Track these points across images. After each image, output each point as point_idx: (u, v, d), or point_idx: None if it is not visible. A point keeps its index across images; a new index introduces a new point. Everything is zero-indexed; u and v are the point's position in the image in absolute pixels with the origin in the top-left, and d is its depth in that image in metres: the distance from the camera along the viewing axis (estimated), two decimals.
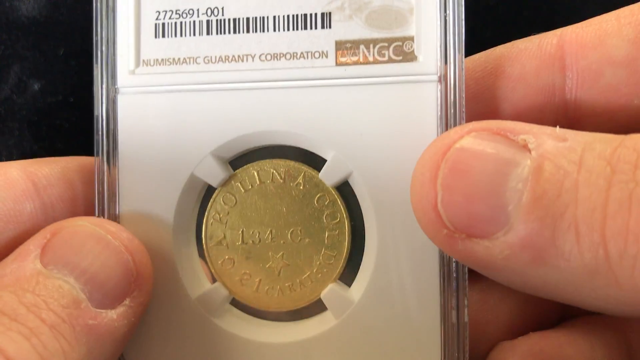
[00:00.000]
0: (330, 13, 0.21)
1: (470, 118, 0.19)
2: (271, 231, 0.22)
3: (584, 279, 0.15)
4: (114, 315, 0.19)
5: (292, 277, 0.22)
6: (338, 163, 0.21)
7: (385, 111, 0.20)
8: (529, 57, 0.21)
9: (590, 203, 0.15)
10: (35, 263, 0.18)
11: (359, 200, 0.21)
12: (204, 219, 0.22)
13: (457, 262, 0.20)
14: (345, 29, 0.21)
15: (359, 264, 0.22)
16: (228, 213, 0.22)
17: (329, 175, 0.21)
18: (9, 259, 0.19)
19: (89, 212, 0.22)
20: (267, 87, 0.21)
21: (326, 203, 0.21)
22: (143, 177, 0.21)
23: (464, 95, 0.20)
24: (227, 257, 0.22)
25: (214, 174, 0.21)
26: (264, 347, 0.21)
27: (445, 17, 0.20)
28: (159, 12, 0.22)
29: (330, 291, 0.21)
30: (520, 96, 0.21)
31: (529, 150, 0.16)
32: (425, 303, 0.20)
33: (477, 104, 0.22)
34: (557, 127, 0.17)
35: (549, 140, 0.16)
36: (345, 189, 0.22)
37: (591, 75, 0.21)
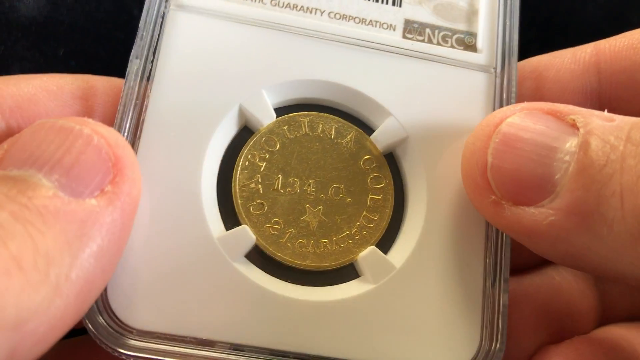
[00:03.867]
0: None
1: None
2: (311, 183, 0.20)
3: (625, 246, 0.16)
4: (94, 202, 0.16)
5: (327, 234, 0.20)
6: (394, 126, 0.21)
7: (445, 89, 0.21)
8: (564, 62, 0.23)
9: (636, 172, 0.16)
10: None
11: (406, 171, 0.21)
12: (239, 156, 0.20)
13: (502, 243, 0.20)
14: (414, 11, 0.22)
15: (395, 235, 0.21)
16: (268, 156, 0.20)
17: (382, 137, 0.21)
18: None
19: None
20: (334, 39, 0.21)
21: (372, 166, 0.21)
22: (181, 98, 0.20)
23: (516, 89, 0.22)
24: (258, 201, 0.20)
25: (262, 111, 0.20)
26: (288, 303, 0.19)
27: (504, 19, 0.22)
28: None
29: (371, 254, 0.20)
30: (555, 96, 0.23)
31: (578, 129, 0.17)
32: (468, 279, 0.20)
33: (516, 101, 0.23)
34: (605, 110, 0.18)
35: (597, 120, 0.17)
36: (390, 163, 0.21)
37: (624, 78, 0.22)
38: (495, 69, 0.22)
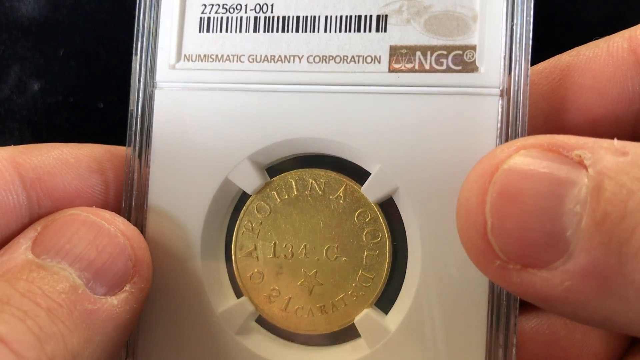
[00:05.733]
0: (386, 16, 0.19)
1: (535, 133, 0.17)
2: (305, 246, 0.20)
3: None
4: (115, 301, 0.18)
5: (324, 298, 0.20)
6: (383, 177, 0.19)
7: (439, 124, 0.19)
8: (600, 64, 0.19)
9: None
10: (27, 254, 0.18)
11: (403, 220, 0.20)
12: (235, 228, 0.21)
13: (507, 295, 0.18)
14: (401, 33, 0.19)
15: (398, 289, 0.20)
16: (261, 223, 0.20)
17: (372, 190, 0.19)
18: None
19: (114, 204, 0.21)
20: (313, 90, 0.20)
21: (367, 220, 0.20)
22: (175, 178, 0.20)
23: (527, 112, 0.18)
24: (256, 270, 0.20)
25: (250, 180, 0.20)
26: None
27: (512, 25, 0.18)
28: (205, 5, 0.20)
29: (365, 317, 0.20)
30: (594, 107, 0.19)
31: (586, 167, 0.14)
32: (469, 340, 0.18)
33: (545, 119, 0.20)
34: (615, 139, 0.15)
35: (608, 155, 0.14)
36: (388, 207, 0.20)
37: None
38: (501, 89, 0.18)
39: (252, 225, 0.20)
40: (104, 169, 0.21)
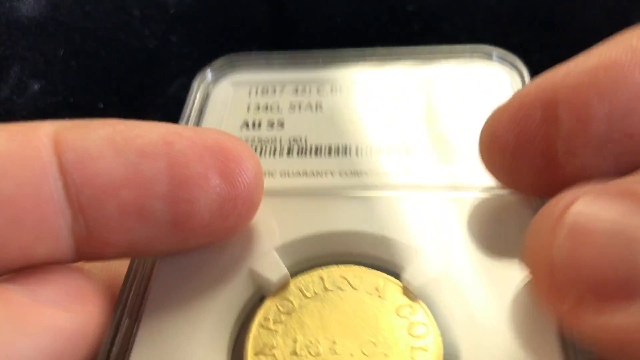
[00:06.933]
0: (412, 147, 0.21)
1: (597, 140, 0.16)
2: (335, 342, 0.17)
3: None
4: None
5: None
6: (425, 265, 0.17)
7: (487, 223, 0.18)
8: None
9: None
10: None
11: (448, 313, 0.17)
12: (251, 323, 0.17)
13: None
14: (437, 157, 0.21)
15: None
16: (284, 319, 0.17)
17: (414, 279, 0.17)
18: None
19: None
20: (348, 195, 0.19)
21: (409, 312, 0.17)
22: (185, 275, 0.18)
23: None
24: None
25: (274, 269, 0.18)
26: None
27: None
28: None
29: None
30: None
31: None
32: None
33: (607, 124, 0.17)
34: None
35: None
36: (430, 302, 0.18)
37: None
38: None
39: (272, 321, 0.17)
40: (157, 153, 0.17)
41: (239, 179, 0.17)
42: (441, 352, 0.16)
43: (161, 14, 0.32)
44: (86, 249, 0.16)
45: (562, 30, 0.29)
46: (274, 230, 0.18)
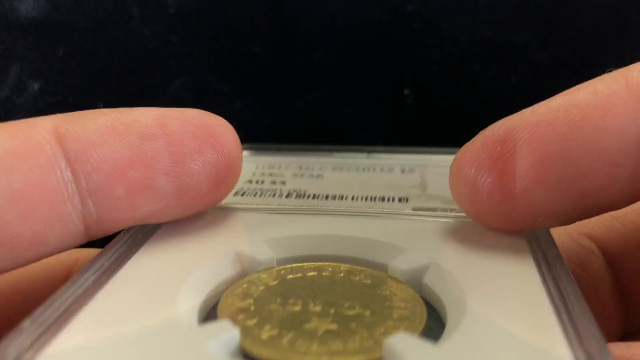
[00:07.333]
0: (407, 198, 0.23)
1: (554, 177, 0.16)
2: (317, 302, 0.16)
3: None
4: None
5: (338, 338, 0.15)
6: (412, 256, 0.18)
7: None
8: (621, 104, 0.16)
9: None
10: None
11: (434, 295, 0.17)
12: (230, 286, 0.17)
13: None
14: (422, 202, 0.23)
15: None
16: (263, 288, 0.17)
17: (403, 266, 0.18)
18: None
19: None
20: (348, 213, 0.21)
21: (394, 290, 0.17)
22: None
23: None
24: (249, 317, 0.16)
25: (261, 254, 0.18)
26: None
27: None
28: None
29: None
30: (615, 153, 0.16)
31: None
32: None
33: (562, 163, 0.17)
34: None
35: None
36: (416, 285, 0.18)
37: None
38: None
39: (253, 287, 0.17)
40: (155, 134, 0.18)
41: (225, 151, 0.19)
42: (424, 318, 0.16)
43: (161, 14, 0.32)
44: (96, 230, 0.17)
45: (562, 30, 0.29)
46: (264, 229, 0.20)
